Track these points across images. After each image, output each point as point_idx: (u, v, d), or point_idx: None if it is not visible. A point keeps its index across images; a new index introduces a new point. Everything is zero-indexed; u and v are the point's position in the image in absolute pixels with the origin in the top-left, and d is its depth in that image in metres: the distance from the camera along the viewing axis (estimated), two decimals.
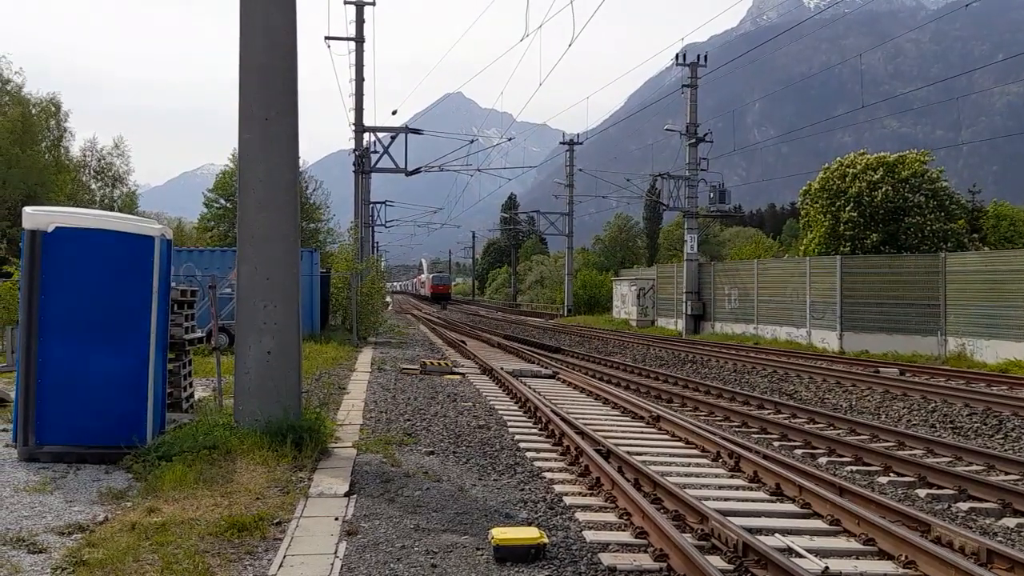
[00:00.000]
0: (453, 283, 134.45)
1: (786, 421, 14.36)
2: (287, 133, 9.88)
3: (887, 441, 12.77)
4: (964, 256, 29.91)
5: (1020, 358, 24.49)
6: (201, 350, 16.71)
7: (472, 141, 41.77)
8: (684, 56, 42.41)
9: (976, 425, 14.57)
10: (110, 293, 9.21)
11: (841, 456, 11.65)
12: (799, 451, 12.10)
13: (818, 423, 14.51)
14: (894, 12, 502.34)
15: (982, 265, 27.77)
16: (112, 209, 48.62)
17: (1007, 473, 10.56)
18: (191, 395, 12.61)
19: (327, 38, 35.77)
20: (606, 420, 13.92)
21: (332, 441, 10.32)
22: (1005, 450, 12.47)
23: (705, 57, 43.55)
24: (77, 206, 39.66)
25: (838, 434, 13.24)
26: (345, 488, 8.16)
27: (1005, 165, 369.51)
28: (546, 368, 22.58)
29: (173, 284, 10.80)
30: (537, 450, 10.97)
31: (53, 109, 50.14)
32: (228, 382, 12.31)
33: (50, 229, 9.02)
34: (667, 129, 45.21)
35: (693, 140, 42.69)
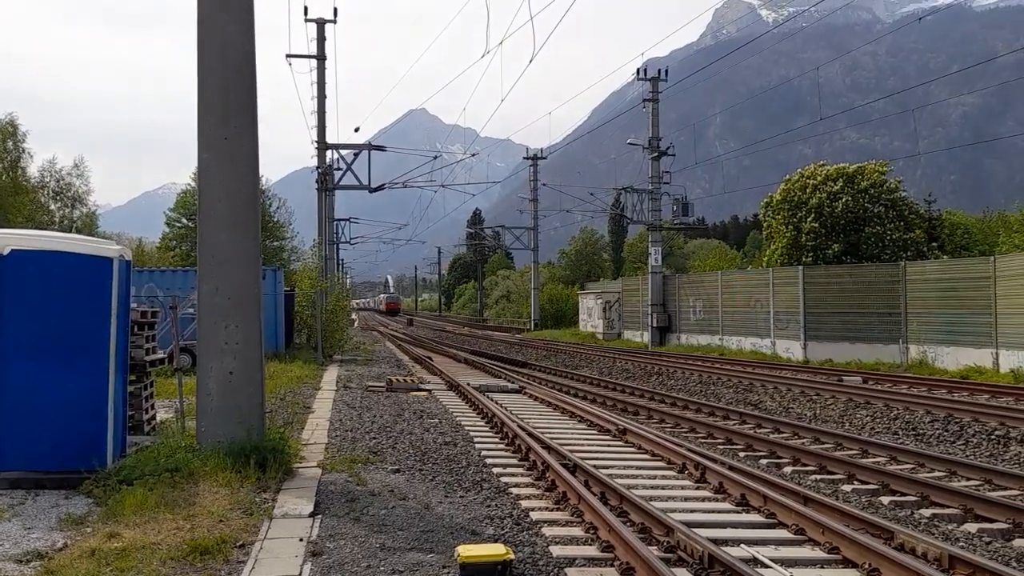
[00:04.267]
0: (420, 299, 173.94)
1: (751, 431, 14.44)
2: (247, 151, 9.82)
3: (851, 449, 12.89)
4: (923, 265, 30.33)
5: (980, 364, 24.86)
6: (163, 371, 16.51)
7: (436, 157, 41.74)
8: (645, 71, 42.77)
9: (938, 432, 14.75)
10: (68, 315, 9.08)
11: (806, 465, 11.73)
12: (764, 461, 12.17)
13: (783, 433, 14.61)
14: (851, 25, 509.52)
15: (941, 274, 28.18)
16: (71, 230, 48.03)
17: (968, 479, 10.69)
18: (153, 417, 12.45)
19: (288, 56, 35.63)
20: (573, 434, 13.92)
21: (297, 461, 10.23)
22: (966, 456, 12.62)
23: (666, 72, 43.95)
24: (36, 228, 39.16)
25: (803, 443, 13.33)
26: (310, 508, 8.09)
27: (962, 174, 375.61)
28: (513, 383, 22.55)
29: (134, 305, 10.68)
30: (504, 465, 10.95)
31: (10, 130, 49.49)
32: (190, 403, 12.17)
33: (6, 252, 8.89)
34: (630, 143, 45.51)
35: (656, 154, 43.01)
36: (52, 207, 54.79)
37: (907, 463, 11.77)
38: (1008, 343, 24.29)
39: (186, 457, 9.17)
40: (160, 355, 12.82)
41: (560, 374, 27.08)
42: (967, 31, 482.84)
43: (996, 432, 14.16)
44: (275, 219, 55.72)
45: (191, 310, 21.24)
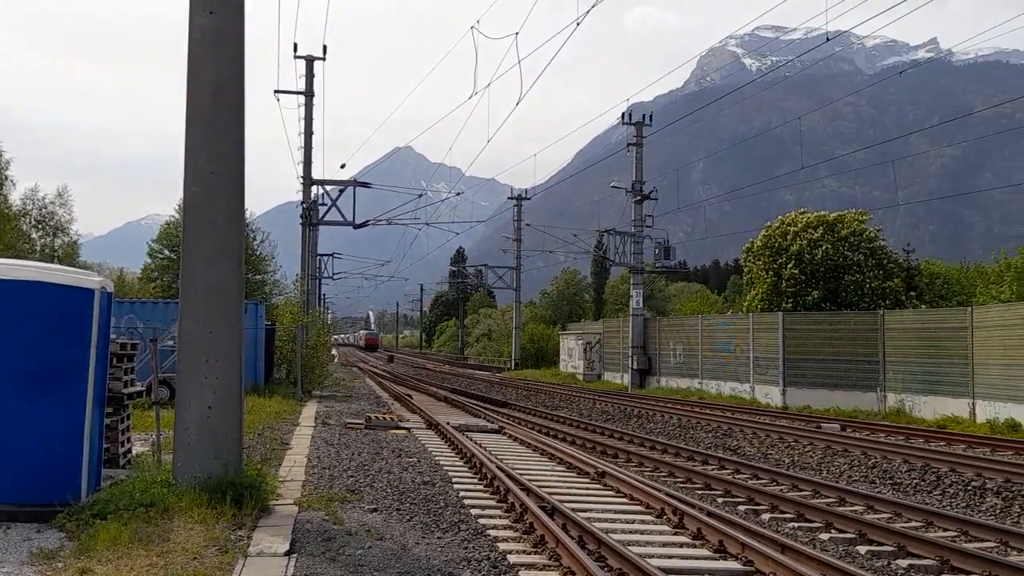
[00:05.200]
0: (401, 336, 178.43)
1: (730, 477, 14.45)
2: (233, 186, 9.84)
3: (829, 497, 12.90)
4: (901, 314, 30.56)
5: (957, 414, 24.97)
6: (141, 404, 16.38)
7: (421, 195, 41.92)
8: (630, 115, 43.19)
9: (915, 481, 14.79)
10: (46, 346, 9.01)
11: (784, 512, 11.73)
12: (742, 507, 12.17)
13: (761, 479, 14.62)
14: (833, 76, 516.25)
15: (918, 323, 28.41)
16: (53, 260, 47.71)
17: (945, 530, 10.72)
18: (129, 451, 12.33)
19: (277, 91, 35.80)
20: (552, 476, 13.88)
21: (273, 498, 10.14)
22: (943, 506, 12.66)
23: (650, 117, 44.40)
24: (16, 256, 38.88)
25: (781, 490, 13.35)
26: (285, 547, 8.01)
27: (941, 225, 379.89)
28: (492, 423, 22.50)
29: (113, 336, 10.61)
30: (482, 507, 10.90)
31: None
32: (167, 437, 12.07)
33: None
34: (613, 186, 45.86)
35: (639, 197, 43.32)
36: (34, 235, 54.43)
37: (884, 512, 11.79)
38: (984, 394, 24.44)
39: (161, 492, 9.07)
40: (138, 387, 12.71)
41: (540, 415, 27.03)
42: (946, 85, 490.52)
43: (973, 483, 14.22)
44: (258, 252, 55.52)
45: (171, 342, 21.13)
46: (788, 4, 29.10)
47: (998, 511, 12.48)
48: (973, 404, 24.85)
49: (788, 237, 39.79)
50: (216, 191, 9.72)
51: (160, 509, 8.71)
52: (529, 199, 66.74)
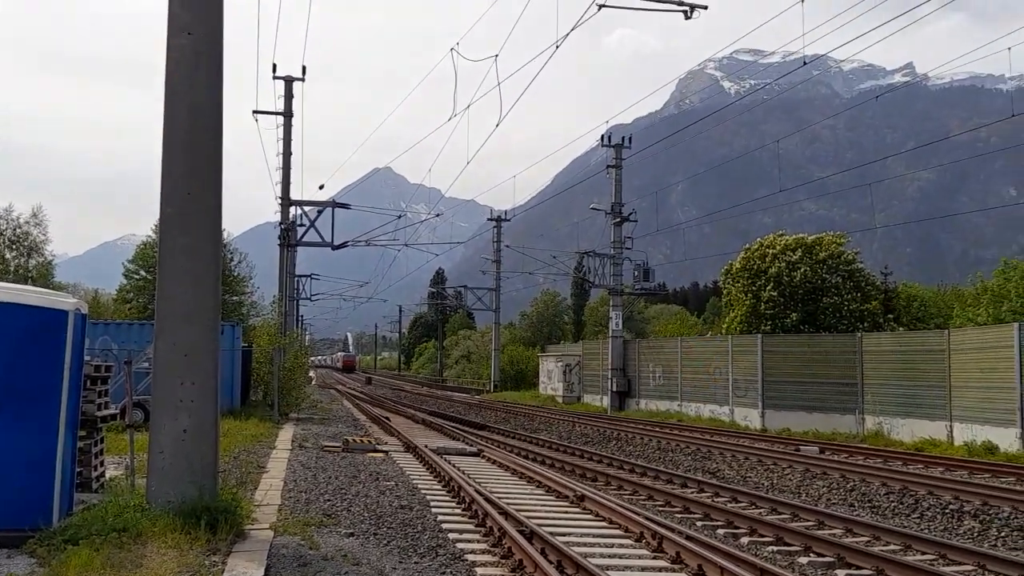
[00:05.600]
0: (380, 357, 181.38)
1: (709, 500, 14.42)
2: (210, 208, 9.77)
3: (807, 520, 12.89)
4: (879, 336, 30.73)
5: (934, 437, 25.08)
6: (114, 427, 16.18)
7: (400, 216, 41.85)
8: (609, 137, 43.39)
9: (893, 504, 14.81)
10: (19, 369, 8.89)
11: (763, 536, 11.70)
12: (721, 531, 12.13)
13: (740, 502, 14.59)
14: (810, 99, 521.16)
15: (896, 345, 28.56)
16: (27, 280, 47.27)
17: (924, 553, 10.72)
18: (102, 474, 12.17)
19: (255, 112, 35.70)
20: (530, 499, 13.80)
21: (249, 522, 10.01)
22: (921, 530, 12.67)
23: (630, 139, 44.57)
24: None
25: (759, 513, 13.32)
26: (260, 572, 7.90)
27: (918, 248, 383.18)
28: (471, 446, 22.40)
29: (87, 358, 10.49)
30: (460, 531, 10.82)
31: None
32: (142, 460, 11.91)
33: None
34: (592, 208, 45.99)
35: (618, 219, 43.46)
36: (7, 256, 53.97)
37: (863, 535, 11.79)
38: (961, 416, 24.57)
39: (135, 516, 8.93)
40: (112, 410, 12.57)
41: (519, 437, 26.94)
42: (922, 109, 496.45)
43: (951, 506, 14.25)
44: (236, 273, 55.22)
45: (146, 364, 20.94)
46: (765, 28, 29.40)
47: (976, 534, 12.50)
48: (950, 427, 24.97)
49: (767, 259, 40.02)
50: (193, 212, 9.65)
51: (133, 534, 8.58)
52: (509, 220, 66.86)
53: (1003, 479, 17.80)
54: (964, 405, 24.55)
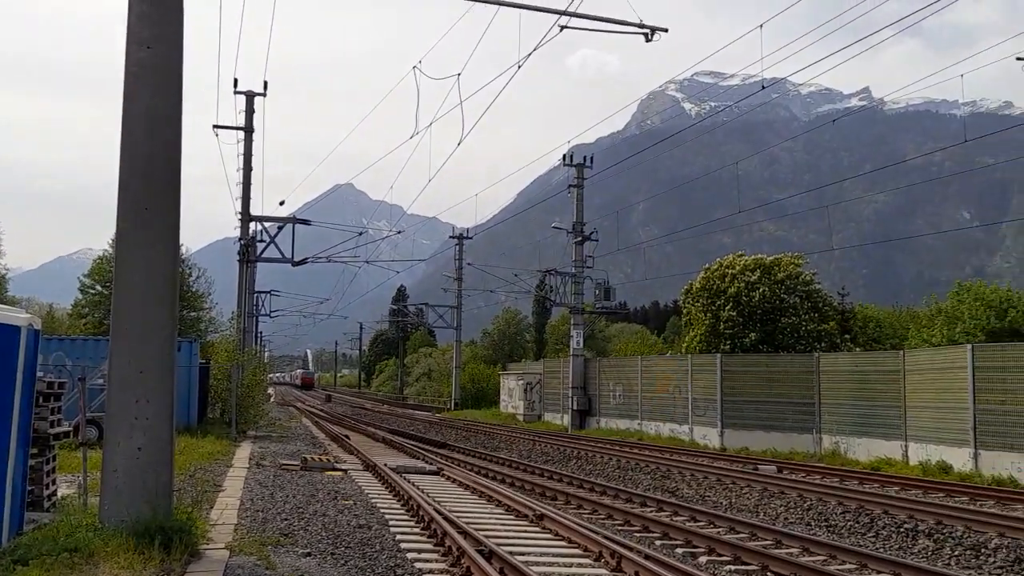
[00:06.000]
0: (340, 375, 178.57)
1: (668, 519, 14.46)
2: (168, 222, 9.66)
3: (765, 540, 12.96)
4: (836, 356, 31.07)
5: (890, 456, 25.37)
6: (68, 444, 15.90)
7: (361, 233, 41.68)
8: (571, 157, 43.63)
9: (850, 523, 14.94)
10: None
11: (721, 555, 11.75)
12: (680, 550, 12.17)
13: (699, 521, 14.65)
14: (769, 122, 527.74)
15: (852, 365, 28.88)
16: None
17: (879, 572, 10.82)
18: (54, 493, 11.94)
19: (215, 126, 35.46)
20: (490, 518, 13.75)
21: (204, 542, 9.87)
22: (877, 548, 12.80)
23: (591, 158, 44.86)
24: None
25: (718, 532, 13.38)
26: None
27: (874, 269, 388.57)
28: (431, 464, 22.29)
29: (40, 375, 10.31)
30: (419, 550, 10.75)
31: None
32: (95, 479, 11.71)
33: None
34: (554, 227, 46.20)
35: (579, 238, 43.65)
36: None
37: (820, 554, 11.88)
38: (916, 436, 24.87)
39: (87, 536, 8.77)
40: (65, 427, 12.35)
41: (479, 456, 26.86)
42: (878, 133, 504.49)
43: (905, 525, 14.41)
44: (194, 289, 54.58)
45: (101, 380, 20.62)
46: (725, 51, 29.75)
47: (930, 553, 12.65)
48: (906, 446, 25.27)
49: (726, 280, 40.34)
50: (150, 227, 9.54)
51: (85, 554, 8.42)
52: (471, 238, 66.90)
53: (957, 498, 18.06)
54: (919, 425, 24.86)
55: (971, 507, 16.34)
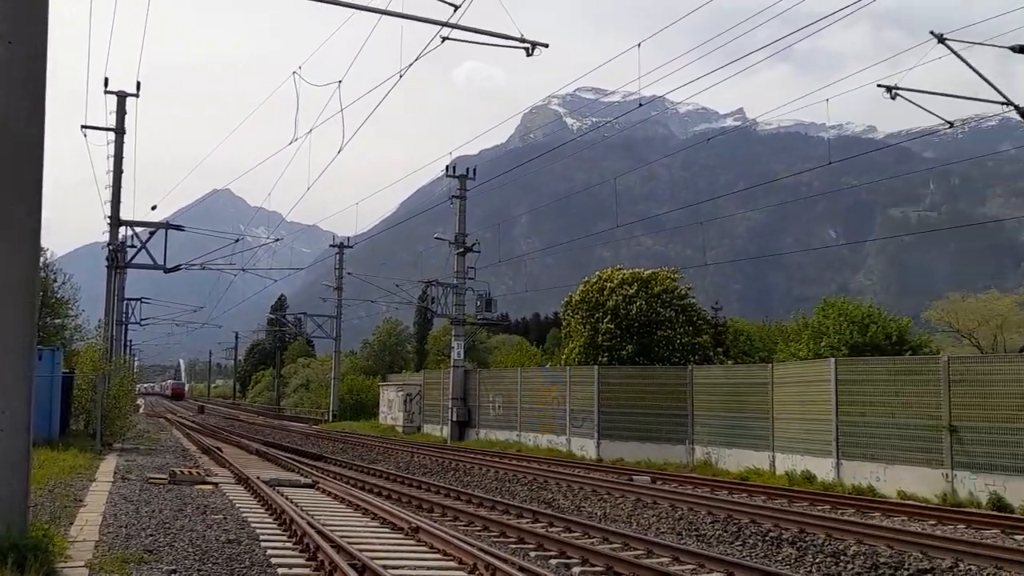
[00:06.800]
0: (214, 385, 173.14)
1: (543, 530, 14.56)
2: (27, 226, 9.21)
3: (637, 549, 13.18)
4: (709, 369, 31.90)
5: (759, 467, 26.16)
6: None
7: (238, 240, 40.67)
8: (454, 168, 43.69)
9: (718, 532, 15.34)
10: None
11: (594, 566, 11.89)
12: (554, 561, 12.27)
13: (574, 532, 14.79)
14: (648, 139, 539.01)
15: (724, 378, 29.69)
16: None
17: None
18: None
19: (84, 127, 34.05)
20: (365, 532, 13.58)
21: (62, 560, 9.45)
22: (744, 557, 13.16)
23: (474, 170, 45.00)
24: None
25: (592, 543, 13.54)
26: None
27: (746, 284, 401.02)
28: (306, 477, 21.89)
29: None
30: (290, 566, 10.52)
31: None
32: None
33: None
34: (437, 238, 46.14)
35: (462, 249, 43.72)
36: None
37: (689, 564, 12.15)
38: (783, 447, 25.71)
39: None
40: None
41: (356, 468, 26.54)
42: (751, 152, 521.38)
43: (770, 533, 14.88)
44: (58, 295, 52.32)
45: None
46: (605, 68, 30.36)
47: (793, 560, 13.10)
48: (773, 457, 26.09)
49: (605, 292, 40.95)
50: (9, 227, 9.09)
51: None
52: (352, 247, 66.23)
53: (819, 507, 18.78)
54: (786, 436, 25.70)
55: (832, 515, 17.00)
